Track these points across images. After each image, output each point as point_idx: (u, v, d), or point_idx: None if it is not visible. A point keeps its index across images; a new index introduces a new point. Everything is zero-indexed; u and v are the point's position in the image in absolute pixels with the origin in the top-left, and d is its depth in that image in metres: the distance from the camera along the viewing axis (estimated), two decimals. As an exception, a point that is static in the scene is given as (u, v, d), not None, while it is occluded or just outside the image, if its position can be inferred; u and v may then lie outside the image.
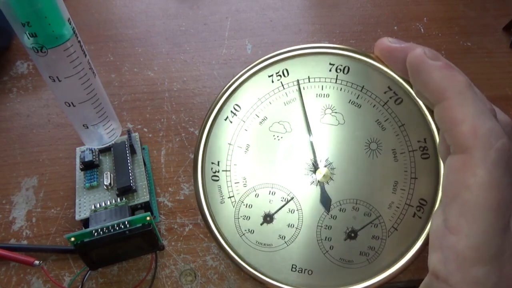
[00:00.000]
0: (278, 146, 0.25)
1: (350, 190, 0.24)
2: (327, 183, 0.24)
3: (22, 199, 0.33)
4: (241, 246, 0.25)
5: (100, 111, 0.29)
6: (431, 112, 0.22)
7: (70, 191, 0.33)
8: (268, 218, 0.25)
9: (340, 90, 0.24)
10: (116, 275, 0.29)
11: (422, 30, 0.47)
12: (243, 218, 0.25)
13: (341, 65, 0.24)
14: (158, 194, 0.33)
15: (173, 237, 0.31)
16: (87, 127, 0.29)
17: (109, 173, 0.31)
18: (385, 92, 0.23)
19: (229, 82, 0.25)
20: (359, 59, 0.23)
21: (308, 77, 0.24)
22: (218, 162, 0.25)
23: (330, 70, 0.24)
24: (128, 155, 0.31)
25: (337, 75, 0.24)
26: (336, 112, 0.24)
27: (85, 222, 0.29)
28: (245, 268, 0.25)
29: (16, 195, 0.33)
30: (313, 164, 0.24)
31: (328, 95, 0.24)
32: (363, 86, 0.24)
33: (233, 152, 0.25)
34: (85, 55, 0.26)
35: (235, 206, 0.25)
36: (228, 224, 0.25)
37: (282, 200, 0.25)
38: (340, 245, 0.24)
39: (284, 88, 0.25)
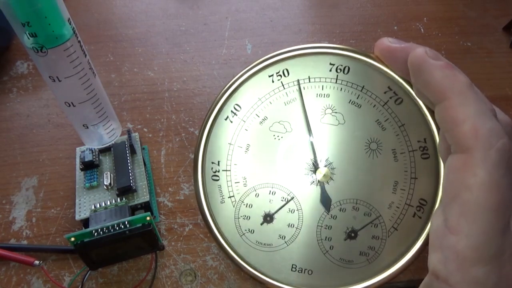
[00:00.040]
0: (279, 146, 0.25)
1: (350, 190, 0.24)
2: (327, 183, 0.24)
3: (22, 199, 0.33)
4: (241, 246, 0.25)
5: (100, 111, 0.29)
6: (431, 112, 0.22)
7: (70, 191, 0.33)
8: (268, 218, 0.25)
9: (340, 90, 0.24)
10: (116, 275, 0.29)
11: (422, 30, 0.47)
12: (243, 218, 0.25)
13: (341, 65, 0.24)
14: (158, 194, 0.33)
15: (173, 237, 0.31)
16: (87, 127, 0.29)
17: (109, 173, 0.31)
18: (385, 92, 0.23)
19: (230, 82, 0.25)
20: (359, 59, 0.23)
21: (309, 77, 0.24)
22: (218, 161, 0.25)
23: (330, 70, 0.24)
24: (128, 155, 0.31)
25: (337, 75, 0.24)
26: (336, 112, 0.24)
27: (85, 222, 0.29)
28: (245, 268, 0.25)
29: (16, 195, 0.33)
30: (313, 164, 0.24)
31: (328, 95, 0.24)
32: (363, 86, 0.24)
33: (233, 152, 0.25)
34: (85, 55, 0.26)
35: (235, 206, 0.25)
36: (228, 224, 0.25)
37: (282, 200, 0.25)
38: (340, 245, 0.24)
39: (284, 88, 0.25)
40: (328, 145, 0.24)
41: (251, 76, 0.25)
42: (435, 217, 0.20)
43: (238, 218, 0.25)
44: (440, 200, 0.22)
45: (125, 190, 0.30)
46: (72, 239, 0.25)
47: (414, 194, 0.23)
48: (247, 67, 0.25)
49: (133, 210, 0.30)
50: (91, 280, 0.29)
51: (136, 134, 0.35)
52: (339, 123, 0.24)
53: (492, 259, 0.17)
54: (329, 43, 0.24)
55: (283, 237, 0.25)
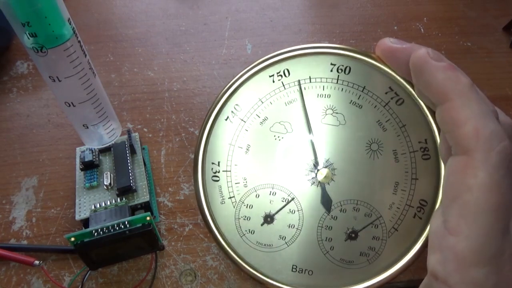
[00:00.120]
0: (279, 147, 0.25)
1: (351, 190, 0.24)
2: (328, 183, 0.24)
3: (22, 199, 0.33)
4: (241, 246, 0.25)
5: (100, 111, 0.29)
6: (432, 113, 0.22)
7: (70, 191, 0.33)
8: (268, 218, 0.25)
9: (341, 90, 0.24)
10: (116, 275, 0.29)
11: (422, 30, 0.47)
12: (244, 219, 0.25)
13: (342, 66, 0.24)
14: (158, 194, 0.33)
15: (173, 237, 0.31)
16: (87, 127, 0.29)
17: (109, 173, 0.31)
18: (386, 93, 0.23)
19: (230, 82, 0.25)
20: (360, 59, 0.23)
21: (309, 77, 0.24)
22: (219, 162, 0.25)
23: (331, 70, 0.24)
24: (128, 155, 0.31)
25: (338, 76, 0.24)
26: (337, 113, 0.24)
27: (85, 222, 0.29)
28: (245, 268, 0.25)
29: (16, 195, 0.33)
30: (314, 164, 0.24)
31: (329, 96, 0.24)
32: (364, 86, 0.24)
33: (234, 152, 0.25)
34: (85, 55, 0.26)
35: (235, 207, 0.25)
36: (229, 224, 0.25)
37: (282, 201, 0.25)
38: (341, 245, 0.24)
39: (285, 88, 0.25)
40: (329, 145, 0.24)
41: (251, 76, 0.25)
42: (434, 218, 0.20)
43: (239, 218, 0.25)
44: (440, 201, 0.22)
45: (125, 190, 0.30)
46: (72, 239, 0.25)
47: (414, 195, 0.23)
48: (247, 67, 0.25)
49: (133, 210, 0.30)
50: (91, 280, 0.29)
51: (136, 134, 0.35)
52: (340, 124, 0.24)
53: (491, 260, 0.17)
54: (329, 43, 0.24)
55: (283, 238, 0.25)
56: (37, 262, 0.28)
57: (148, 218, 0.26)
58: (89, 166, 0.31)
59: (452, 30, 0.46)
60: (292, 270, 0.25)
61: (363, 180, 0.24)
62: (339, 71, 0.24)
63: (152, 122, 0.38)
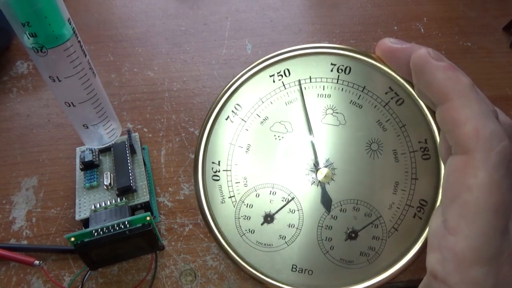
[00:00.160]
0: (279, 146, 0.25)
1: (351, 190, 0.24)
2: (328, 183, 0.24)
3: (22, 199, 0.33)
4: (242, 246, 0.25)
5: (100, 111, 0.29)
6: (432, 113, 0.22)
7: (70, 191, 0.33)
8: (268, 218, 0.25)
9: (342, 90, 0.24)
10: (116, 275, 0.29)
11: (422, 30, 0.47)
12: (244, 218, 0.25)
13: (343, 66, 0.24)
14: (158, 194, 0.33)
15: (173, 237, 0.31)
16: (87, 127, 0.29)
17: (109, 173, 0.31)
18: (386, 93, 0.23)
19: (231, 81, 0.25)
20: (360, 60, 0.23)
21: (310, 77, 0.24)
22: (219, 161, 0.25)
23: (331, 70, 0.24)
24: (128, 155, 0.31)
25: (338, 75, 0.24)
26: (337, 113, 0.24)
27: (85, 222, 0.29)
28: (245, 268, 0.25)
29: (16, 195, 0.33)
30: (314, 164, 0.24)
31: (329, 95, 0.24)
32: (364, 86, 0.24)
33: (234, 152, 0.25)
34: (85, 55, 0.26)
35: (235, 206, 0.25)
36: (229, 224, 0.25)
37: (282, 200, 0.25)
38: (341, 245, 0.24)
39: (285, 88, 0.25)
40: (329, 145, 0.24)
41: (252, 75, 0.25)
42: (434, 218, 0.20)
43: (239, 218, 0.25)
44: (440, 201, 0.22)
45: (125, 190, 0.30)
46: (72, 239, 0.25)
47: (414, 194, 0.23)
48: (248, 67, 0.25)
49: (133, 210, 0.30)
50: (91, 280, 0.29)
51: (136, 134, 0.35)
52: (340, 124, 0.24)
53: (490, 260, 0.17)
54: (329, 43, 0.24)
55: (283, 237, 0.25)
56: (37, 262, 0.28)
57: (148, 218, 0.26)
58: (89, 166, 0.31)
59: (452, 30, 0.46)
60: (292, 270, 0.25)
61: (363, 180, 0.24)
62: (339, 71, 0.24)
63: (152, 122, 0.38)
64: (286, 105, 0.25)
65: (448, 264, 0.18)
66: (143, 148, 0.36)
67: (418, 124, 0.23)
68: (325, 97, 0.24)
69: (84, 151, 0.32)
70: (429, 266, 0.19)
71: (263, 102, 0.25)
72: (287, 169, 0.25)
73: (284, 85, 0.25)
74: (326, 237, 0.24)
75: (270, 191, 0.25)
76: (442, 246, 0.18)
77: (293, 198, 0.25)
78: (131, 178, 0.30)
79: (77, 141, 0.35)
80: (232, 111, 0.25)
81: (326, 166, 0.24)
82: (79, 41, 0.25)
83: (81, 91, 0.26)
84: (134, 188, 0.30)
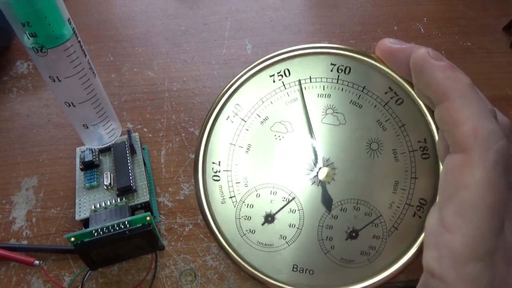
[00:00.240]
0: (280, 146, 0.25)
1: (351, 189, 0.24)
2: (329, 183, 0.24)
3: (22, 199, 0.33)
4: (242, 246, 0.25)
5: (100, 111, 0.29)
6: (431, 113, 0.22)
7: (70, 191, 0.33)
8: (269, 218, 0.25)
9: (341, 90, 0.24)
10: (116, 275, 0.29)
11: (422, 30, 0.47)
12: (244, 218, 0.25)
13: (343, 66, 0.24)
14: (158, 194, 0.33)
15: (173, 237, 0.31)
16: (87, 127, 0.29)
17: (109, 173, 0.31)
18: (386, 93, 0.23)
19: (231, 81, 0.25)
20: (360, 60, 0.23)
21: (310, 77, 0.24)
22: (219, 162, 0.25)
23: (331, 70, 0.24)
24: (128, 155, 0.31)
25: (338, 75, 0.24)
26: (337, 112, 0.24)
27: (85, 222, 0.29)
28: (246, 268, 0.25)
29: (16, 195, 0.33)
30: (314, 164, 0.24)
31: (329, 95, 0.24)
32: (364, 86, 0.24)
33: (234, 152, 0.25)
34: (85, 55, 0.26)
35: (236, 206, 0.25)
36: (229, 224, 0.25)
37: (283, 200, 0.25)
38: (341, 244, 0.24)
39: (285, 88, 0.25)
40: (329, 145, 0.24)
41: (252, 75, 0.25)
42: (430, 216, 0.21)
43: (239, 218, 0.25)
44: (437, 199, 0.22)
45: (125, 190, 0.30)
46: (72, 239, 0.25)
47: (414, 194, 0.23)
48: (248, 66, 0.25)
49: (133, 210, 0.30)
50: (91, 280, 0.29)
51: (136, 134, 0.35)
52: (340, 123, 0.24)
53: (486, 256, 0.17)
54: (329, 43, 0.24)
55: (284, 237, 0.25)
56: (37, 262, 0.28)
57: (148, 218, 0.26)
58: (89, 166, 0.31)
59: (452, 30, 0.46)
60: (293, 270, 0.25)
61: (363, 179, 0.24)
62: (339, 71, 0.24)
63: (152, 122, 0.38)
64: (286, 105, 0.25)
65: (444, 261, 0.18)
66: (143, 148, 0.36)
67: (418, 124, 0.23)
68: (325, 97, 0.24)
69: (84, 151, 0.32)
70: (426, 264, 0.19)
71: (263, 102, 0.25)
72: (287, 169, 0.25)
73: (284, 85, 0.25)
74: (327, 237, 0.24)
75: (271, 191, 0.25)
76: (439, 244, 0.18)
77: (293, 198, 0.25)
78: (131, 178, 0.30)
79: (77, 141, 0.35)
80: (232, 111, 0.25)
81: (326, 166, 0.24)
82: (79, 41, 0.25)
83: (81, 91, 0.26)
84: (134, 188, 0.30)
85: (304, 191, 0.25)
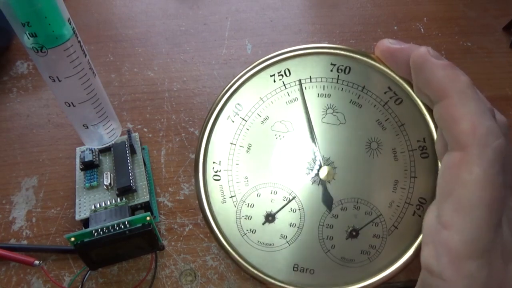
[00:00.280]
0: (280, 145, 0.25)
1: (351, 189, 0.24)
2: (329, 182, 0.24)
3: (22, 199, 0.33)
4: (243, 246, 0.25)
5: (100, 111, 0.29)
6: (431, 112, 0.22)
7: (70, 191, 0.33)
8: (270, 217, 0.25)
9: (341, 90, 0.24)
10: (116, 275, 0.29)
11: (422, 30, 0.47)
12: (245, 218, 0.25)
13: (342, 66, 0.24)
14: (158, 194, 0.33)
15: (173, 237, 0.31)
16: (87, 127, 0.29)
17: (109, 173, 0.31)
18: (385, 93, 0.23)
19: (232, 81, 0.25)
20: (360, 60, 0.23)
21: (310, 77, 0.24)
22: (220, 161, 0.25)
23: (331, 70, 0.24)
24: (128, 155, 0.31)
25: (338, 75, 0.24)
26: (337, 112, 0.24)
27: (85, 222, 0.29)
28: (247, 268, 0.25)
29: (16, 195, 0.33)
30: (314, 163, 0.24)
31: (329, 95, 0.24)
32: (364, 86, 0.24)
33: (235, 151, 0.25)
34: (85, 55, 0.26)
35: (236, 206, 0.25)
36: (230, 224, 0.25)
37: (284, 200, 0.25)
38: (342, 244, 0.24)
39: (286, 88, 0.25)
40: (329, 144, 0.24)
41: (252, 75, 0.25)
42: (428, 214, 0.21)
43: (240, 218, 0.25)
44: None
45: (125, 190, 0.30)
46: (72, 239, 0.25)
47: (414, 193, 0.23)
48: (248, 66, 0.25)
49: (133, 210, 0.30)
50: (91, 280, 0.29)
51: (136, 134, 0.35)
52: (340, 123, 0.24)
53: (484, 253, 0.17)
54: (329, 43, 0.24)
55: (284, 237, 0.25)
56: (37, 262, 0.28)
57: (148, 218, 0.26)
58: (89, 166, 0.31)
59: (452, 30, 0.46)
60: (293, 269, 0.24)
61: (363, 178, 0.24)
62: (339, 71, 0.24)
63: (152, 122, 0.38)
64: (287, 104, 0.25)
65: (442, 259, 0.18)
66: (143, 148, 0.36)
67: (417, 123, 0.23)
68: (325, 96, 0.24)
69: (84, 151, 0.32)
70: (424, 261, 0.19)
71: (263, 102, 0.25)
72: (288, 168, 0.25)
73: (284, 84, 0.25)
74: (327, 236, 0.24)
75: (271, 191, 0.25)
76: (436, 241, 0.18)
77: (294, 197, 0.25)
78: (131, 178, 0.30)
79: (77, 141, 0.35)
80: (233, 110, 0.25)
81: (326, 165, 0.24)
82: (79, 41, 0.25)
83: (81, 91, 0.26)
84: (134, 188, 0.30)
85: (305, 190, 0.25)
